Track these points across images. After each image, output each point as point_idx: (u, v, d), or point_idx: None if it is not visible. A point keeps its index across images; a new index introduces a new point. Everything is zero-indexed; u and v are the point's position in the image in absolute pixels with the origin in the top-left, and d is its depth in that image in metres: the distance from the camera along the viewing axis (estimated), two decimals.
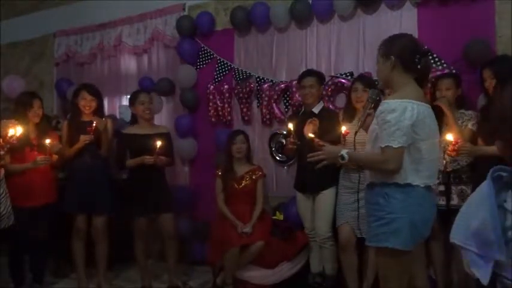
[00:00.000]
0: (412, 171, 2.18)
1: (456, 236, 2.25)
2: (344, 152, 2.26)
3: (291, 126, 3.43)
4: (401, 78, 2.27)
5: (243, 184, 3.91)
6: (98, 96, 3.93)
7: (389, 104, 2.18)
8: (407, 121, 2.13)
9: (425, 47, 2.29)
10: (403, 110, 2.13)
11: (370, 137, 2.32)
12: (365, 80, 3.49)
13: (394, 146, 2.12)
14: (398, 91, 2.26)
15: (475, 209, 2.20)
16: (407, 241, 2.19)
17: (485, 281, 1.96)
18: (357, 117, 3.32)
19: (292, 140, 3.47)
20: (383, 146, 2.15)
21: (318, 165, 2.39)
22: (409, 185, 2.18)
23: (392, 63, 2.26)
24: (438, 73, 3.47)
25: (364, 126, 2.53)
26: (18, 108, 3.76)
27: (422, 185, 2.20)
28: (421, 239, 2.35)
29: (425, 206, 2.25)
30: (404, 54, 2.25)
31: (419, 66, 2.25)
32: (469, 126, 3.16)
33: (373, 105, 2.50)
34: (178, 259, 3.99)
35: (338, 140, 3.11)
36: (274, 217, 4.02)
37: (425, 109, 2.24)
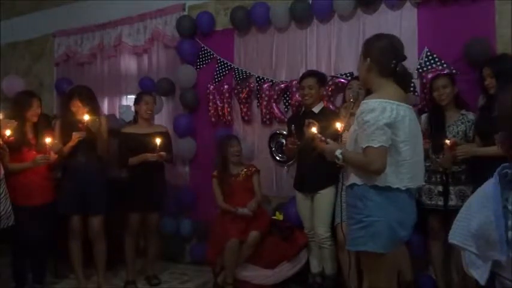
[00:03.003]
0: (392, 174, 2.15)
1: (455, 236, 2.25)
2: (338, 152, 2.24)
3: (292, 126, 3.44)
4: (377, 80, 2.25)
5: (238, 179, 3.94)
6: (91, 102, 3.83)
7: (368, 104, 2.16)
8: (385, 120, 2.10)
9: (403, 54, 2.28)
10: (382, 109, 2.11)
11: (350, 138, 2.29)
12: None
13: (374, 146, 2.09)
14: (377, 91, 2.24)
15: (477, 209, 2.19)
16: (387, 245, 2.16)
17: (482, 281, 1.96)
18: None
19: (292, 139, 3.48)
20: (364, 146, 2.12)
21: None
22: (388, 187, 2.14)
23: (367, 65, 2.24)
24: (438, 73, 3.47)
25: (348, 126, 2.51)
26: (17, 107, 3.75)
27: (403, 188, 2.17)
28: (400, 242, 2.31)
29: (406, 209, 2.22)
30: (380, 58, 2.23)
31: (396, 70, 2.23)
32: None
33: (353, 104, 2.48)
34: (159, 257, 4.23)
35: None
36: (274, 217, 4.02)
37: (405, 109, 2.20)
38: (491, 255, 1.95)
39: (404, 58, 2.31)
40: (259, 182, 4.00)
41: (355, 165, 2.23)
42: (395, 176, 2.15)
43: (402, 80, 2.33)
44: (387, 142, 2.11)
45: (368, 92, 3.37)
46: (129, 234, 3.96)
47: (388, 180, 2.14)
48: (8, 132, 3.33)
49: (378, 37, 2.32)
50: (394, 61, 2.22)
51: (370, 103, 2.15)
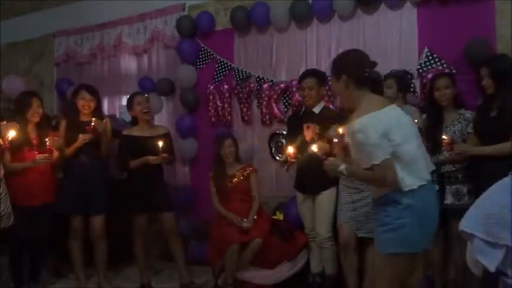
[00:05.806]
0: (408, 175, 2.18)
1: (466, 224, 2.27)
2: (342, 167, 2.26)
3: (290, 150, 3.43)
4: (356, 94, 2.29)
5: (234, 181, 3.90)
6: (97, 97, 3.92)
7: (354, 125, 2.19)
8: (375, 135, 2.13)
9: (372, 60, 2.35)
10: (371, 125, 2.14)
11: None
12: None
13: (377, 163, 2.13)
14: (359, 107, 2.26)
15: (495, 196, 2.22)
16: (418, 244, 2.23)
17: (492, 267, 1.97)
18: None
19: (291, 155, 3.46)
20: (368, 167, 2.17)
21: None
22: (411, 190, 2.18)
23: (345, 82, 2.28)
24: (439, 72, 3.47)
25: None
26: (18, 107, 3.76)
27: (424, 182, 2.22)
28: (431, 236, 2.35)
29: (430, 204, 2.27)
30: (355, 70, 2.27)
31: (370, 78, 2.30)
32: (469, 129, 3.17)
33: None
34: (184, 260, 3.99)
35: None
36: (274, 217, 4.02)
37: (392, 111, 2.26)
38: (502, 238, 1.96)
39: (375, 64, 2.36)
40: (257, 183, 3.97)
41: (366, 180, 2.28)
42: (412, 176, 2.19)
43: (376, 85, 2.42)
44: (387, 153, 2.14)
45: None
46: (136, 236, 3.89)
47: (407, 184, 2.18)
48: (12, 134, 3.31)
49: (344, 53, 2.40)
50: (366, 69, 2.28)
51: (356, 124, 2.18)
